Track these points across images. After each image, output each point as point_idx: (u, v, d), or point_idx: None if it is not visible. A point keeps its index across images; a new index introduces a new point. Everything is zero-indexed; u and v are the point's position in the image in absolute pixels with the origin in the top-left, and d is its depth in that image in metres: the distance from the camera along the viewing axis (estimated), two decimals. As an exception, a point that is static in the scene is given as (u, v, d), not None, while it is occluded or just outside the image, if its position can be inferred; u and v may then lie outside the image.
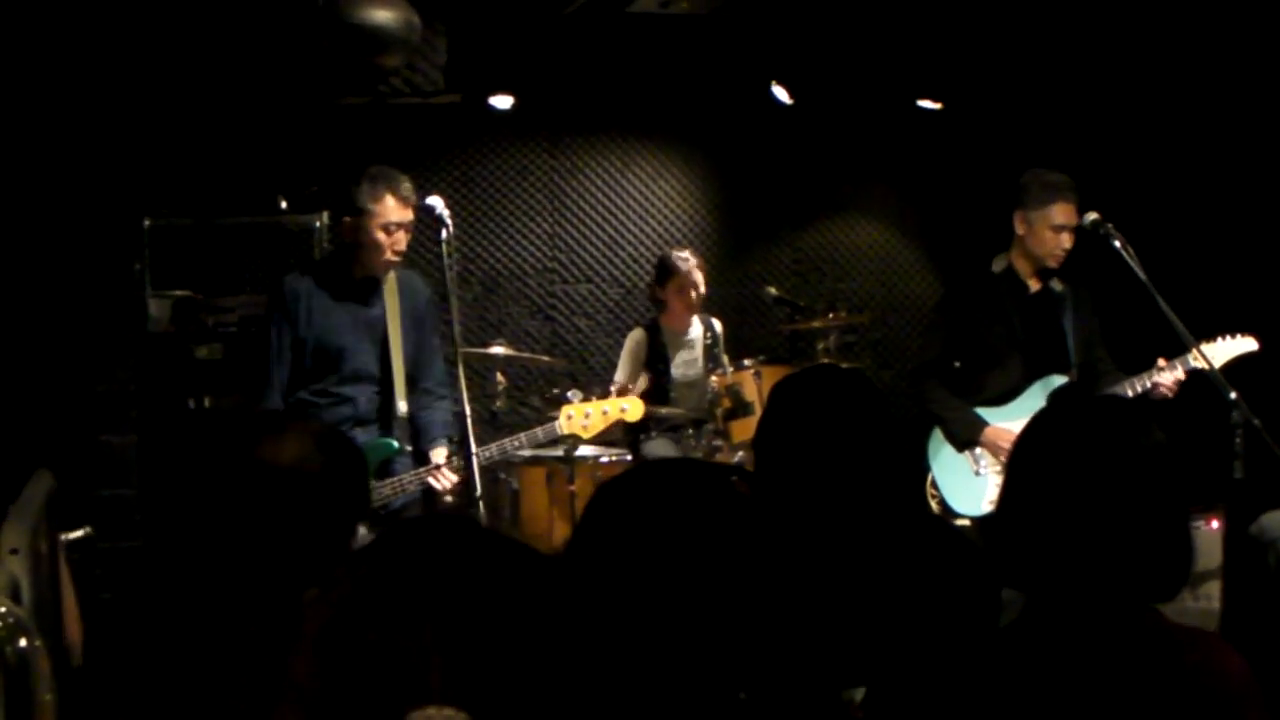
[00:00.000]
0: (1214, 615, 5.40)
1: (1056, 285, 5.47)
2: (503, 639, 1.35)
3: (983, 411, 5.40)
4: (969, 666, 2.13)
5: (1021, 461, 2.20)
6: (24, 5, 6.05)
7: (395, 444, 4.98)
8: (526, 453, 6.75)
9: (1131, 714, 1.98)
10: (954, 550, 2.92)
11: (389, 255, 4.94)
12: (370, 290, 5.02)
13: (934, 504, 5.46)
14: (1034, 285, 5.46)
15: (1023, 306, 5.45)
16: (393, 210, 4.90)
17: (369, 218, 4.88)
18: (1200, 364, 5.07)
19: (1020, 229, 5.40)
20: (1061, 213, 5.31)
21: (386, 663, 1.32)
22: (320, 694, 1.34)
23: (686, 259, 6.92)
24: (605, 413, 5.30)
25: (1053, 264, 5.39)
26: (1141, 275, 5.03)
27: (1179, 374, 5.18)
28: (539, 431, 5.21)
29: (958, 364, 5.50)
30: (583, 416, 5.27)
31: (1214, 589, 5.47)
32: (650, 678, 1.77)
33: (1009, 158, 7.98)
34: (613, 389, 6.89)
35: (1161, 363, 5.22)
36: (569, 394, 5.35)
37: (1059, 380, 5.36)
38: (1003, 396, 5.41)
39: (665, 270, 6.98)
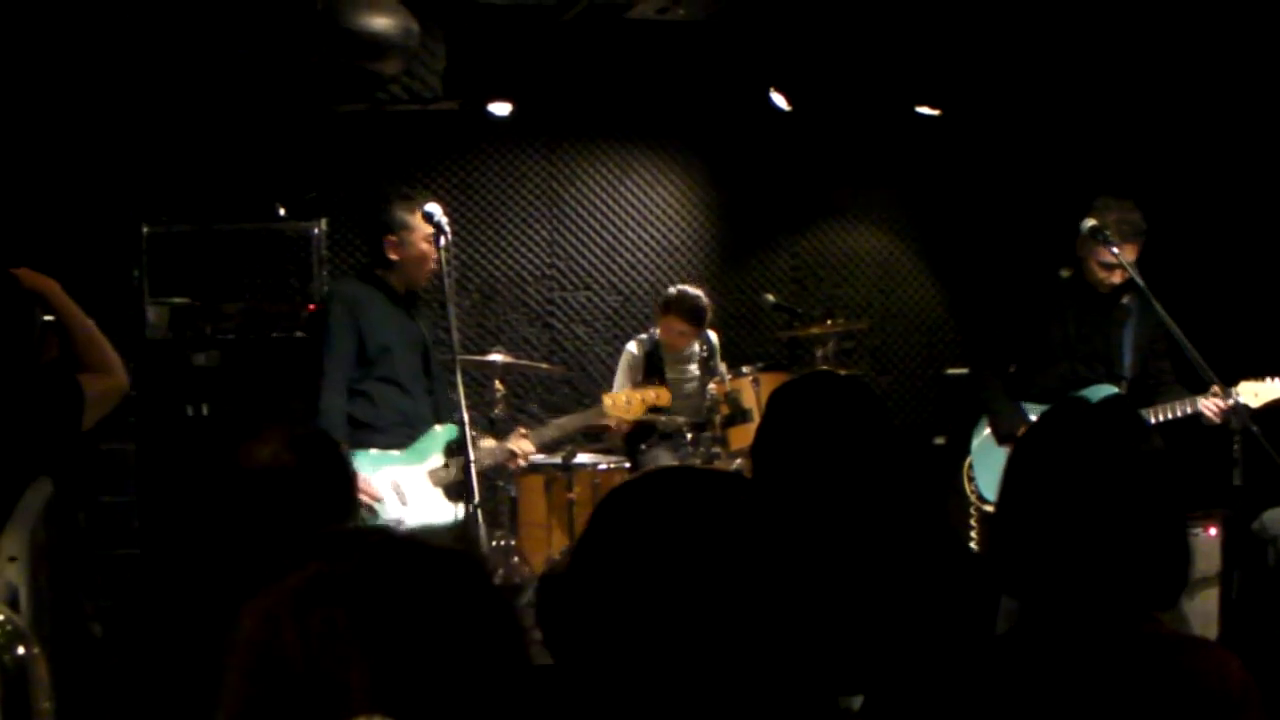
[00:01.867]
0: (1212, 622, 5.40)
1: (1125, 296, 5.52)
2: (431, 649, 1.36)
3: (1031, 409, 5.50)
4: (968, 674, 2.13)
5: (1019, 467, 2.20)
6: (24, 11, 6.05)
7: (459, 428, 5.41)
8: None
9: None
10: (952, 557, 2.92)
11: (431, 264, 5.35)
12: (410, 304, 5.46)
13: (969, 488, 5.65)
14: (1096, 295, 5.52)
15: (1082, 313, 5.53)
16: (428, 224, 5.29)
17: (411, 232, 5.30)
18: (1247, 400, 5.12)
19: (1080, 251, 5.46)
20: (1111, 256, 5.33)
21: (314, 675, 1.32)
22: (251, 706, 1.35)
23: (694, 305, 6.88)
24: (643, 399, 6.12)
25: (1103, 290, 5.44)
26: (1139, 281, 5.04)
27: (1227, 403, 5.19)
28: (590, 412, 6.14)
29: (1013, 365, 5.65)
30: (624, 401, 6.10)
31: (1212, 596, 5.48)
32: (657, 683, 1.77)
33: (1007, 164, 8.02)
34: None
35: (1215, 389, 5.25)
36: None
37: (1106, 389, 5.40)
38: (1050, 397, 5.46)
39: (665, 306, 6.97)
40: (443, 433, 5.37)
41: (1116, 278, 5.40)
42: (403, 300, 5.41)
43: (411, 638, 1.34)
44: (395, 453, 5.25)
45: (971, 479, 5.66)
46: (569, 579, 1.87)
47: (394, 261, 5.33)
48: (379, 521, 5.03)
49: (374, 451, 5.19)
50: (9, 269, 3.50)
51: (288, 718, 1.32)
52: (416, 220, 5.30)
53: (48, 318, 3.55)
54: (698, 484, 1.90)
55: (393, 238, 5.31)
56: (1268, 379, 5.30)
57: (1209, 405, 5.22)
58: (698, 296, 6.90)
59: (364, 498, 5.01)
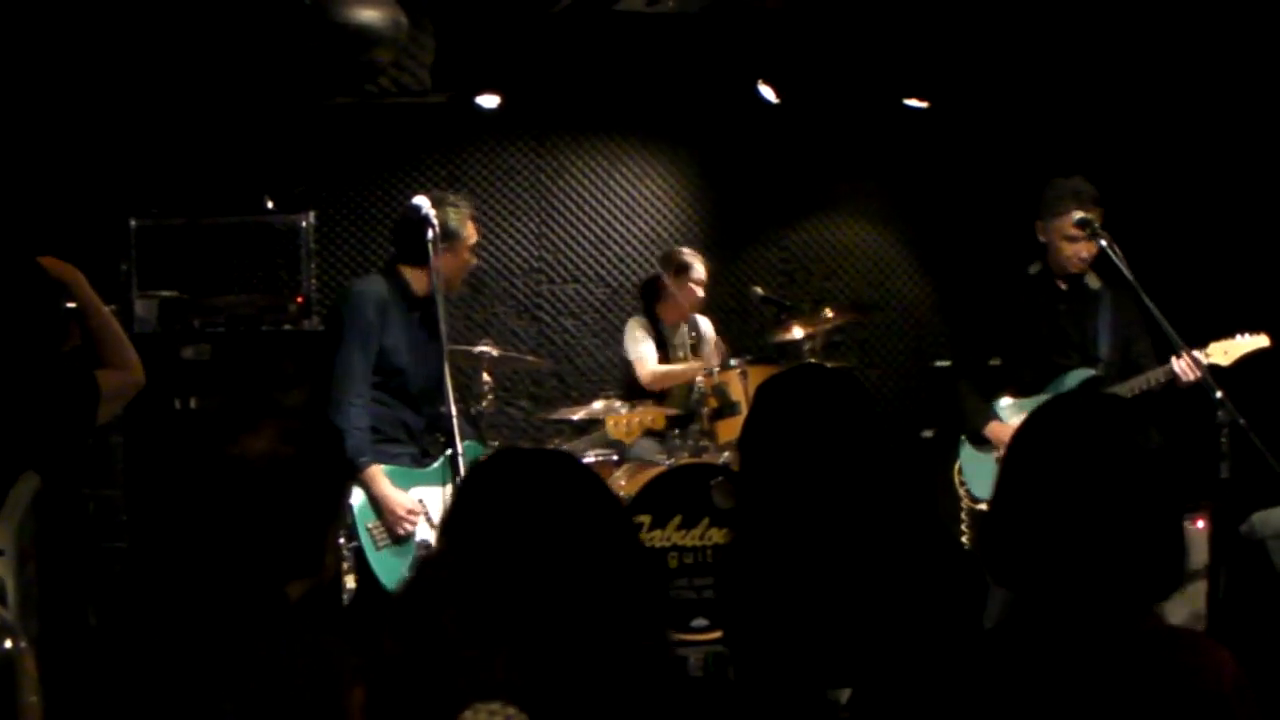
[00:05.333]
0: (1200, 615, 5.42)
1: (1093, 283, 5.54)
2: (572, 642, 1.39)
3: (1010, 402, 5.52)
4: (957, 667, 2.13)
5: (1015, 459, 2.20)
6: (13, 6, 6.03)
7: (482, 446, 5.42)
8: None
9: (1123, 714, 1.99)
10: (940, 550, 2.92)
11: (466, 274, 5.49)
12: (429, 311, 5.16)
13: (961, 490, 5.64)
14: (1064, 286, 5.52)
15: (1054, 304, 5.54)
16: (475, 233, 5.33)
17: (461, 242, 5.24)
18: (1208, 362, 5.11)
19: (1041, 237, 5.48)
20: (1074, 223, 5.33)
21: (464, 653, 1.37)
22: (398, 666, 1.39)
23: (697, 260, 7.03)
24: (640, 422, 6.22)
25: (1074, 270, 5.45)
26: (1127, 273, 5.05)
27: (1195, 373, 5.16)
28: (596, 436, 6.26)
29: (992, 361, 5.64)
30: (625, 425, 6.15)
31: (1199, 589, 5.49)
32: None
33: (996, 156, 8.03)
34: (704, 372, 6.70)
35: (1184, 354, 5.26)
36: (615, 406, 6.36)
37: (1084, 374, 5.41)
38: (1029, 388, 5.49)
39: (681, 268, 6.98)
40: (465, 451, 5.09)
41: (1084, 251, 5.38)
42: (419, 304, 5.21)
43: (562, 641, 1.37)
44: (419, 471, 5.16)
45: (963, 481, 5.66)
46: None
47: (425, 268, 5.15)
48: (411, 544, 5.00)
49: (390, 468, 5.06)
50: (35, 257, 3.49)
51: (429, 683, 1.35)
52: (468, 230, 5.24)
53: (70, 304, 3.55)
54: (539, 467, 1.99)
55: (441, 244, 5.14)
56: (1236, 335, 5.31)
57: (1181, 366, 5.18)
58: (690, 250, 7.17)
59: (405, 519, 4.98)
